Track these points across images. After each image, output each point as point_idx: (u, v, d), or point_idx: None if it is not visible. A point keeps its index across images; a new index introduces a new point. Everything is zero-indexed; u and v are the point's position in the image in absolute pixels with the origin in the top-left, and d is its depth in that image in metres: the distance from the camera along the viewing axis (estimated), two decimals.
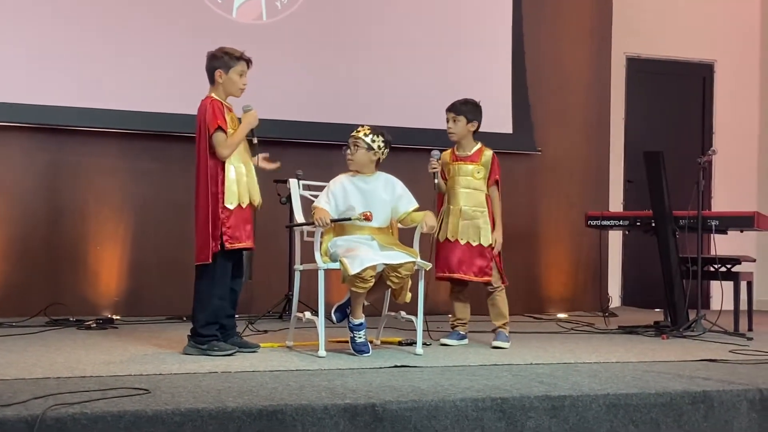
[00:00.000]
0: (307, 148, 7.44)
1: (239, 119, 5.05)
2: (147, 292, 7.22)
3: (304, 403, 3.49)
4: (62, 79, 6.97)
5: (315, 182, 5.54)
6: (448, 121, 5.79)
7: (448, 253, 5.70)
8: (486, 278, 5.68)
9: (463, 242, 5.67)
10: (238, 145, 4.97)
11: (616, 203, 9.04)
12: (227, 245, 4.91)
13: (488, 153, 5.78)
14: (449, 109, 5.80)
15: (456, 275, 5.68)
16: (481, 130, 5.83)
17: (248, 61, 5.07)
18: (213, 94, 5.02)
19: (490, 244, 5.69)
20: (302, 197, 5.46)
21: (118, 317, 6.87)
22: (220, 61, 5.02)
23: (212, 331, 4.93)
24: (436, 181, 5.75)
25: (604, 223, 7.24)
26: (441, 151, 5.79)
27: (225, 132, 4.91)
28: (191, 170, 4.99)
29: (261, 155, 5.15)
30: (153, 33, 7.23)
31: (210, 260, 4.88)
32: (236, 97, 5.10)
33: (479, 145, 5.82)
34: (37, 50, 6.92)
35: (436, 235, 5.71)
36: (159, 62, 7.20)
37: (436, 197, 5.85)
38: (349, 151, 5.30)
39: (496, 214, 5.75)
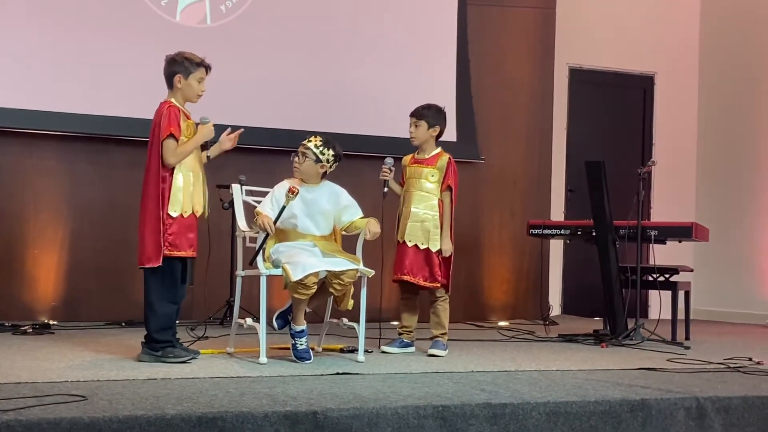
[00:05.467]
0: (251, 153, 7.39)
1: (197, 125, 5.02)
2: (85, 297, 7.11)
3: (245, 410, 3.47)
4: None
5: (258, 188, 5.51)
6: (410, 126, 5.77)
7: (401, 256, 5.69)
8: (434, 284, 5.67)
9: (410, 245, 5.66)
10: (187, 155, 4.92)
11: (557, 212, 9.12)
12: (166, 251, 4.86)
13: (445, 157, 5.75)
14: (411, 114, 5.79)
15: (405, 278, 5.66)
16: None
17: (208, 68, 5.04)
18: (172, 99, 4.98)
19: (439, 250, 5.68)
20: (245, 203, 5.42)
21: (55, 322, 6.75)
22: (180, 66, 4.97)
23: (167, 336, 4.88)
24: (385, 189, 5.72)
25: (546, 231, 7.29)
26: (395, 159, 5.75)
27: (176, 140, 4.87)
28: (132, 174, 4.95)
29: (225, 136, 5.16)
30: (94, 34, 7.12)
31: (149, 264, 4.83)
32: (193, 103, 5.07)
33: (439, 149, 5.81)
34: None
35: (396, 237, 5.72)
36: (100, 64, 7.09)
37: (383, 206, 5.82)
38: (297, 159, 5.27)
39: (445, 220, 5.72)
